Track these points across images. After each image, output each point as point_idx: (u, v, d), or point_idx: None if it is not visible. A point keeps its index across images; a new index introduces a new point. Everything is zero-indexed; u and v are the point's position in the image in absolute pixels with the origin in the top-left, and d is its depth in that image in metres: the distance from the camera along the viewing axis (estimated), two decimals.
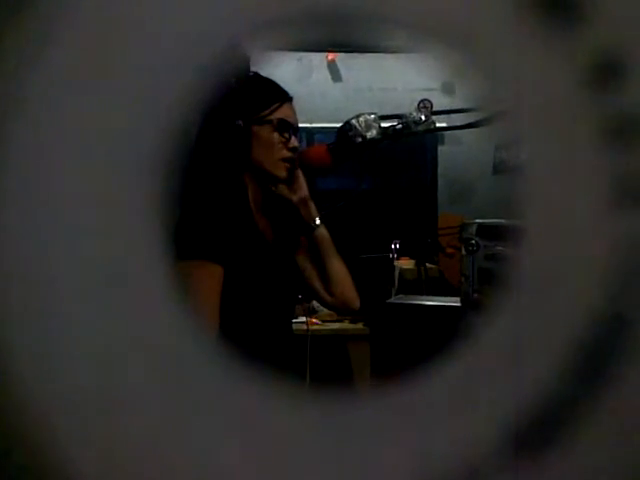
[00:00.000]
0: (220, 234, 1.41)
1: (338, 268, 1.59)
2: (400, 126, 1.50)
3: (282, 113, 1.47)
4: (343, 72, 4.49)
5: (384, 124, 1.51)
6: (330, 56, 4.45)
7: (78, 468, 0.73)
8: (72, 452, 0.73)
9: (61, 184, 0.73)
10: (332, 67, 4.48)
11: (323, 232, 1.55)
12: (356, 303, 1.66)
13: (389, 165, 4.43)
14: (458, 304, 1.70)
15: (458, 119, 1.61)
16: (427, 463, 0.72)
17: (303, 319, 2.20)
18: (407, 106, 1.60)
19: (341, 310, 1.68)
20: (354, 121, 1.48)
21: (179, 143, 0.73)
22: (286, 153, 1.46)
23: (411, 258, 3.36)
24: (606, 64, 0.70)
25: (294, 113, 1.50)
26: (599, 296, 0.71)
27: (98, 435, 0.73)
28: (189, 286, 1.36)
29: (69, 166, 0.73)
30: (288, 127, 1.47)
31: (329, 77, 4.49)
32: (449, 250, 3.26)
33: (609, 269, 0.71)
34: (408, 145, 4.38)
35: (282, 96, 1.49)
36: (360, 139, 1.47)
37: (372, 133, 1.48)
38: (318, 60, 4.46)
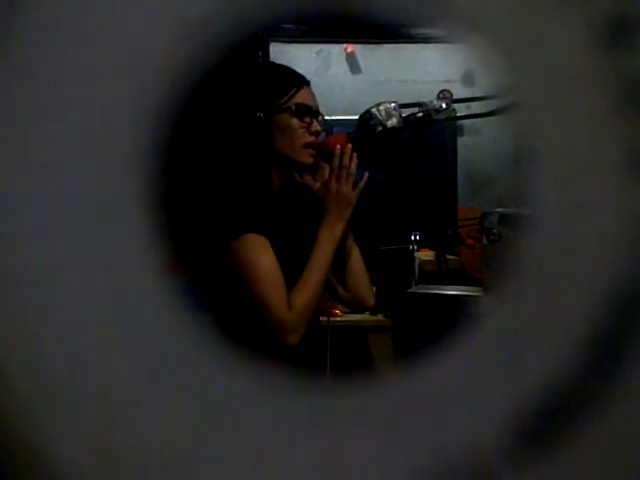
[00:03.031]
0: (257, 211, 1.43)
1: (356, 263, 1.58)
2: (421, 114, 1.50)
3: (300, 98, 1.47)
4: (362, 64, 4.47)
5: (405, 113, 1.51)
6: (349, 48, 4.43)
7: (70, 462, 0.72)
8: (64, 446, 0.72)
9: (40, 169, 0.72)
10: (351, 59, 4.46)
11: (348, 232, 1.54)
12: (371, 301, 1.64)
13: (408, 156, 4.41)
14: (480, 294, 1.69)
15: (478, 110, 1.61)
16: (429, 455, 0.71)
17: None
18: (427, 98, 1.60)
19: (354, 306, 1.67)
20: (374, 110, 1.48)
21: (164, 122, 0.72)
22: (309, 138, 1.47)
23: (431, 250, 3.35)
24: (621, 25, 0.69)
25: (313, 97, 1.50)
26: (612, 277, 0.69)
27: (93, 433, 0.73)
28: (246, 263, 1.37)
29: (46, 146, 0.72)
30: (307, 111, 1.47)
31: (348, 69, 4.47)
32: (469, 241, 3.25)
33: (624, 248, 0.69)
34: (427, 137, 4.36)
35: (298, 81, 1.49)
36: (381, 128, 1.47)
37: (393, 122, 1.48)
38: (337, 52, 4.44)
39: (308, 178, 1.51)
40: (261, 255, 1.39)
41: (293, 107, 1.45)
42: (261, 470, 0.72)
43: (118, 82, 0.72)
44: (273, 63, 1.52)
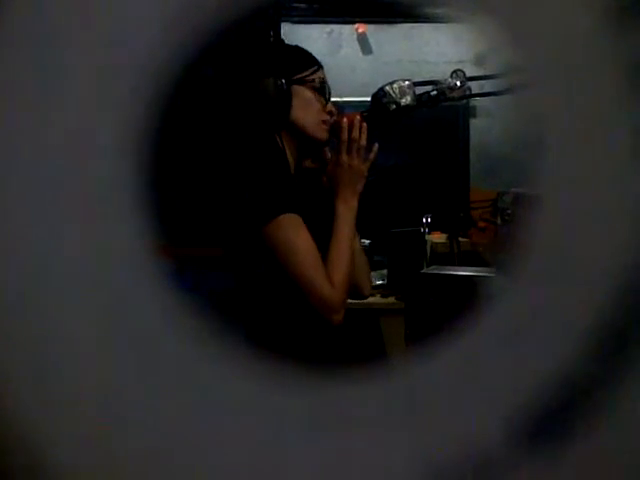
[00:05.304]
0: (284, 188, 1.42)
1: (356, 250, 1.57)
2: (435, 92, 1.48)
3: (321, 76, 1.50)
4: (373, 45, 4.44)
5: (418, 91, 1.49)
6: (360, 28, 4.40)
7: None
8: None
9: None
10: (362, 40, 4.43)
11: None
12: (367, 290, 1.64)
13: (420, 139, 4.39)
14: (492, 274, 1.68)
15: (491, 90, 1.58)
16: (431, 453, 0.69)
17: None
18: (439, 78, 1.58)
19: (350, 293, 1.64)
20: (388, 88, 1.46)
21: (154, 102, 0.71)
22: (325, 116, 1.48)
23: (443, 232, 3.34)
24: (632, 6, 0.67)
25: (327, 81, 1.52)
26: (621, 263, 0.67)
27: (91, 434, 0.72)
28: (285, 244, 1.37)
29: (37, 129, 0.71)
30: (326, 90, 1.49)
31: (359, 50, 4.44)
32: (481, 224, 3.22)
33: (633, 232, 0.68)
34: (440, 119, 4.33)
35: (317, 62, 1.51)
36: (394, 106, 1.46)
37: (406, 100, 1.46)
38: (348, 33, 4.42)
39: (307, 162, 1.51)
40: (298, 235, 1.38)
41: (317, 80, 1.47)
42: (263, 470, 0.72)
43: (109, 70, 0.71)
44: (292, 45, 1.53)
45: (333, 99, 1.53)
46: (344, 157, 1.44)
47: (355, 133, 1.43)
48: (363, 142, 1.44)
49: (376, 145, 1.46)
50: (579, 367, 0.67)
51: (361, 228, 1.59)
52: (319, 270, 1.37)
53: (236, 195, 1.43)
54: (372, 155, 1.46)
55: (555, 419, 0.67)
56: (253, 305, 1.45)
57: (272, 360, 0.73)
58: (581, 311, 0.68)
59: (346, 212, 1.45)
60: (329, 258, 1.40)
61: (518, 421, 0.68)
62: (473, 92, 1.61)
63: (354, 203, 1.46)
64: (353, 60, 4.40)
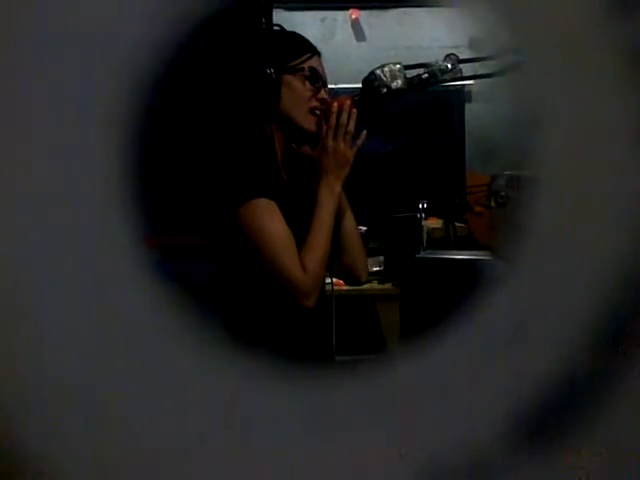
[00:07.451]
0: (264, 175, 1.42)
1: (352, 236, 1.57)
2: (426, 75, 1.47)
3: (313, 64, 1.49)
4: (367, 31, 4.42)
5: (410, 74, 1.48)
6: (354, 15, 4.38)
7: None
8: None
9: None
10: (356, 26, 4.41)
11: (342, 197, 1.53)
12: (364, 276, 1.63)
13: (416, 124, 4.37)
14: (488, 257, 1.68)
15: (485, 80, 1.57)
16: (427, 453, 0.69)
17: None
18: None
19: (347, 279, 1.65)
20: (379, 71, 1.45)
21: (137, 95, 0.70)
22: (315, 103, 1.47)
23: (439, 217, 3.34)
24: None
25: (323, 68, 1.52)
26: (616, 251, 0.67)
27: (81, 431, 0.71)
28: (257, 228, 1.36)
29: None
30: (318, 78, 1.48)
31: (353, 37, 4.42)
32: (477, 209, 3.22)
33: (630, 217, 0.67)
34: (435, 104, 4.32)
35: (312, 49, 1.51)
36: (385, 90, 1.45)
37: (397, 83, 1.45)
38: (341, 20, 4.40)
39: (306, 148, 1.50)
40: (271, 219, 1.38)
41: (307, 69, 1.46)
42: (259, 469, 0.71)
43: (94, 60, 0.70)
44: (285, 30, 1.52)
45: (328, 86, 1.52)
46: (330, 142, 1.43)
47: (343, 118, 1.42)
48: (351, 128, 1.43)
49: (364, 132, 1.45)
50: (579, 364, 0.66)
51: (357, 214, 1.58)
52: (290, 254, 1.37)
53: (213, 178, 1.44)
54: (360, 141, 1.45)
55: (554, 418, 0.66)
56: (233, 293, 1.45)
57: (257, 354, 0.73)
58: (581, 306, 0.67)
59: (327, 198, 1.43)
60: (305, 243, 1.39)
61: (517, 420, 0.67)
62: (466, 75, 1.60)
63: (337, 189, 1.44)
64: (347, 47, 4.38)
